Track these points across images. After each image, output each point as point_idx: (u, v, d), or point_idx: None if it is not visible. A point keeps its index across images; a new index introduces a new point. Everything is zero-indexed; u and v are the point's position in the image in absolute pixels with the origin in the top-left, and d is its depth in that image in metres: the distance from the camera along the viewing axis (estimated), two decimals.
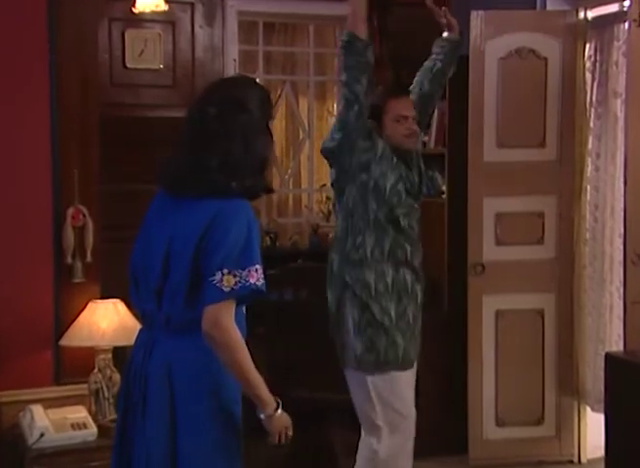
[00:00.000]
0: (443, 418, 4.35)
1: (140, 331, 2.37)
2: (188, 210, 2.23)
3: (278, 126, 5.87)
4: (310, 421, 3.35)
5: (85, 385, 3.58)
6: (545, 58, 4.24)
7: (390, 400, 3.21)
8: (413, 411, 3.29)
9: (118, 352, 3.54)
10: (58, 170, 3.74)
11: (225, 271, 2.12)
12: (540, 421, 4.35)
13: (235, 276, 2.12)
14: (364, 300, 3.20)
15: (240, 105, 2.27)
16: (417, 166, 3.33)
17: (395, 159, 3.27)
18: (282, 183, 5.78)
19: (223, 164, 2.22)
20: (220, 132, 2.24)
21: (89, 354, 3.59)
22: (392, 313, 3.22)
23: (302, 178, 5.92)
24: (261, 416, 2.22)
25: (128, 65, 4.47)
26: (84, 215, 3.72)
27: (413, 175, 3.31)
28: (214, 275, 2.12)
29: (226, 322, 2.12)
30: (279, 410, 2.24)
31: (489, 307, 4.28)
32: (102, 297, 3.68)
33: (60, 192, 3.75)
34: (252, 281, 2.14)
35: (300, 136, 5.75)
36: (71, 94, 3.80)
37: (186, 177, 2.26)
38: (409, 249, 3.25)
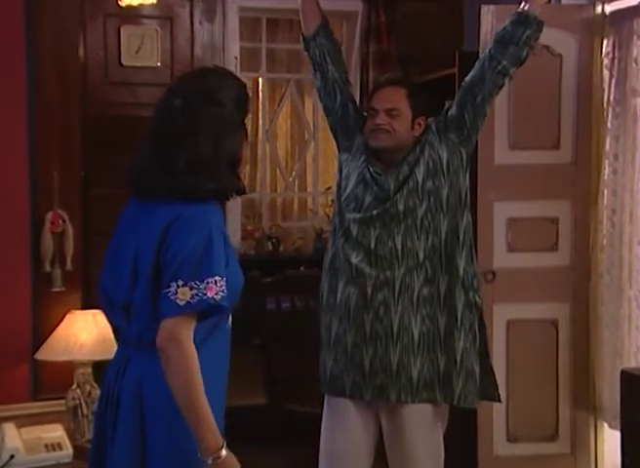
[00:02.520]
0: (451, 433, 4.12)
1: (117, 348, 2.21)
2: (152, 214, 2.07)
3: (283, 126, 5.75)
4: (310, 438, 3.15)
5: (64, 401, 3.41)
6: (560, 55, 4.05)
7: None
8: (335, 453, 3.01)
9: (100, 366, 3.36)
10: (36, 172, 3.58)
11: (180, 283, 1.98)
12: (554, 437, 4.16)
13: (192, 288, 1.97)
14: (320, 312, 3.02)
15: (210, 98, 2.09)
16: (406, 168, 2.91)
17: (363, 158, 2.97)
18: (287, 186, 5.62)
19: (188, 162, 2.05)
20: (186, 126, 2.07)
21: (68, 368, 3.44)
22: (333, 332, 2.96)
23: (308, 181, 5.75)
24: (208, 461, 1.98)
25: (124, 63, 4.40)
26: (64, 221, 3.57)
27: (387, 179, 2.92)
28: (168, 287, 1.98)
29: (182, 337, 1.97)
30: (223, 451, 1.99)
31: (499, 317, 4.09)
32: (85, 307, 3.52)
33: (38, 196, 3.59)
34: (209, 294, 1.97)
35: (306, 137, 5.57)
36: (50, 91, 3.66)
37: (148, 178, 2.09)
38: (358, 266, 2.88)
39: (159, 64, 4.41)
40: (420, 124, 2.96)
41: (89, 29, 4.37)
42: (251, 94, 5.66)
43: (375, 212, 2.91)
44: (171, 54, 4.45)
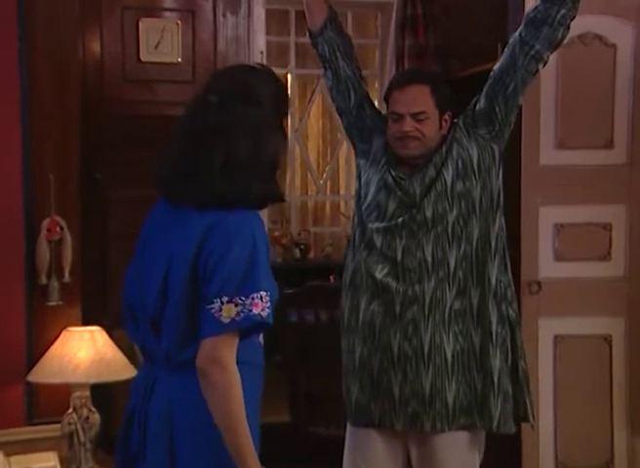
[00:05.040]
0: (492, 460, 3.88)
1: (143, 365, 2.10)
2: (187, 221, 1.97)
3: (315, 125, 5.59)
4: (337, 463, 2.91)
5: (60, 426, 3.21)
6: (614, 45, 3.81)
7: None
8: None
9: (100, 388, 3.15)
10: (30, 175, 3.37)
11: (225, 299, 1.88)
12: (608, 465, 3.89)
13: (237, 305, 1.88)
14: (340, 333, 2.78)
15: (248, 96, 2.00)
16: (432, 170, 2.68)
17: (384, 161, 2.74)
18: (318, 189, 5.42)
19: (225, 165, 1.96)
20: (222, 125, 1.97)
21: (65, 390, 3.21)
22: (356, 356, 2.72)
23: (341, 183, 5.53)
24: None
25: (142, 59, 4.30)
26: (61, 228, 3.36)
27: (411, 183, 2.68)
28: (212, 303, 1.89)
29: (226, 359, 1.88)
30: None
31: (546, 332, 3.87)
32: (87, 323, 3.29)
33: (33, 201, 3.38)
34: (256, 311, 1.88)
35: (338, 137, 5.36)
36: (46, 88, 3.46)
37: (182, 181, 1.98)
38: (383, 281, 2.65)
39: (180, 60, 4.27)
40: (446, 121, 2.73)
41: (105, 23, 4.26)
42: None
43: (400, 219, 2.68)
44: (192, 49, 4.31)
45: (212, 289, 1.88)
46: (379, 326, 2.67)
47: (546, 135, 3.82)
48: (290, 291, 3.88)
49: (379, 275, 2.67)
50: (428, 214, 2.64)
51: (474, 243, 2.68)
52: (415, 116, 2.65)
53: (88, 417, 3.16)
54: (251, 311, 1.87)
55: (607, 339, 3.88)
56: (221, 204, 1.93)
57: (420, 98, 2.67)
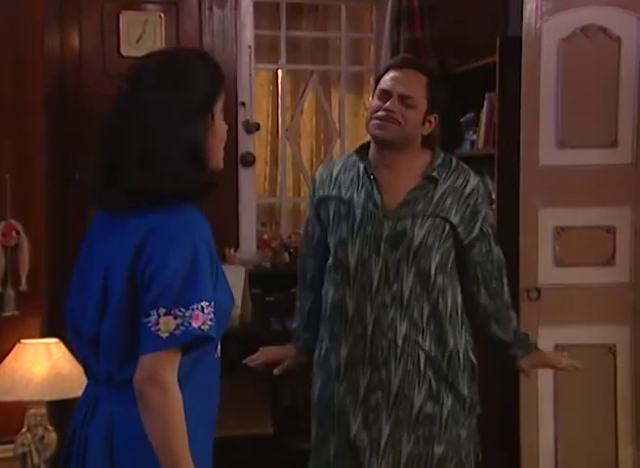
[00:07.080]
0: None
1: (86, 385, 1.97)
2: (122, 226, 1.83)
3: (307, 124, 5.48)
4: None
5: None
6: (619, 38, 3.75)
7: None
8: None
9: (58, 405, 2.97)
10: None
11: (162, 311, 1.74)
12: None
13: (176, 317, 1.74)
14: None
15: (164, 80, 1.84)
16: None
17: (361, 167, 2.59)
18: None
19: (141, 159, 1.79)
20: (135, 114, 1.82)
21: (21, 407, 3.03)
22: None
23: None
24: None
25: (123, 53, 4.20)
26: (18, 233, 3.19)
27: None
28: (149, 316, 1.75)
29: (165, 377, 1.74)
30: None
31: (546, 340, 3.74)
32: (54, 334, 3.11)
33: None
34: (195, 324, 1.74)
35: (332, 136, 5.23)
36: (2, 85, 3.26)
37: (102, 183, 1.83)
38: (348, 359, 2.55)
39: None
40: (430, 122, 2.60)
41: (84, 15, 4.17)
42: (271, 87, 5.36)
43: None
44: (176, 43, 4.20)
45: (148, 299, 1.75)
46: (337, 408, 2.57)
47: (546, 133, 3.78)
48: (271, 298, 3.76)
49: (344, 353, 2.55)
50: (406, 290, 2.52)
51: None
52: (403, 99, 2.53)
53: (43, 437, 3.00)
54: (190, 324, 1.74)
55: (611, 349, 3.81)
56: (145, 200, 1.79)
57: (414, 84, 2.55)
